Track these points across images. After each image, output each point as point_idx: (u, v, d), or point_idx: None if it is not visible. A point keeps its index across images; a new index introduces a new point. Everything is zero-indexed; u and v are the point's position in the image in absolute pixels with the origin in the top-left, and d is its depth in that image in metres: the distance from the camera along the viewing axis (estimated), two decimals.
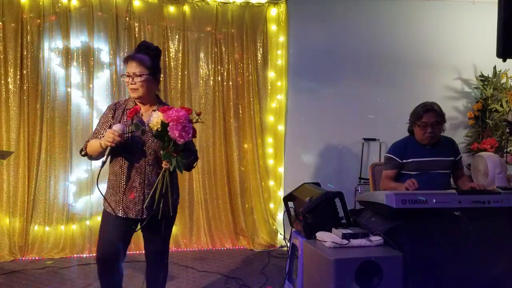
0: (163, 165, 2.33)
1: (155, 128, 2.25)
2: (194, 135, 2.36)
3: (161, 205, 2.38)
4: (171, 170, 2.31)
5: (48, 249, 4.23)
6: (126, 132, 2.38)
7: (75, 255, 4.20)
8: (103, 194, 2.51)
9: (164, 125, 2.23)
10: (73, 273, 3.82)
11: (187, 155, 2.45)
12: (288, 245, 2.88)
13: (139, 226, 2.51)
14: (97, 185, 2.39)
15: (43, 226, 4.26)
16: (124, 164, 2.45)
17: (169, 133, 2.22)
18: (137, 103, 2.52)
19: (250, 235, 4.58)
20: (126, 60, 2.49)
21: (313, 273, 2.32)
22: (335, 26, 4.82)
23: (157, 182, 2.36)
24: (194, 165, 2.63)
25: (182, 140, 2.24)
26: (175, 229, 4.50)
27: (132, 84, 2.44)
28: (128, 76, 2.45)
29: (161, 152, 2.30)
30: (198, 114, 2.37)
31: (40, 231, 4.25)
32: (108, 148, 2.31)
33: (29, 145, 4.24)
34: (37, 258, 4.17)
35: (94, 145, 2.44)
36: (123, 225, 2.48)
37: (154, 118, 2.25)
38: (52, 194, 4.28)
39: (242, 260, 4.23)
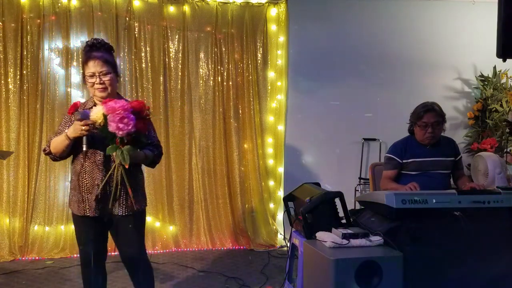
0: (116, 161, 2.28)
1: (98, 122, 2.18)
2: (145, 129, 2.32)
3: (116, 203, 2.35)
4: (126, 165, 2.24)
5: (48, 249, 4.23)
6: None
7: (75, 255, 4.17)
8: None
9: (105, 117, 2.17)
10: (73, 273, 3.81)
11: (142, 149, 2.40)
12: (288, 245, 2.88)
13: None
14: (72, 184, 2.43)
15: (43, 226, 4.26)
16: (85, 162, 2.39)
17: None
18: (99, 102, 2.45)
19: (250, 235, 4.58)
20: (88, 59, 2.41)
21: (313, 273, 2.31)
22: (335, 26, 4.81)
23: (106, 178, 2.32)
24: (158, 161, 2.56)
25: (120, 132, 2.16)
26: (175, 229, 4.50)
27: (100, 84, 2.40)
28: (93, 76, 2.40)
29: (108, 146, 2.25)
30: (147, 109, 2.33)
31: (40, 231, 4.25)
32: (84, 138, 2.26)
33: (29, 145, 4.23)
34: (37, 258, 4.16)
35: (58, 140, 2.37)
36: (95, 224, 2.45)
37: (94, 112, 2.17)
38: (52, 194, 4.28)
39: (242, 260, 4.23)
